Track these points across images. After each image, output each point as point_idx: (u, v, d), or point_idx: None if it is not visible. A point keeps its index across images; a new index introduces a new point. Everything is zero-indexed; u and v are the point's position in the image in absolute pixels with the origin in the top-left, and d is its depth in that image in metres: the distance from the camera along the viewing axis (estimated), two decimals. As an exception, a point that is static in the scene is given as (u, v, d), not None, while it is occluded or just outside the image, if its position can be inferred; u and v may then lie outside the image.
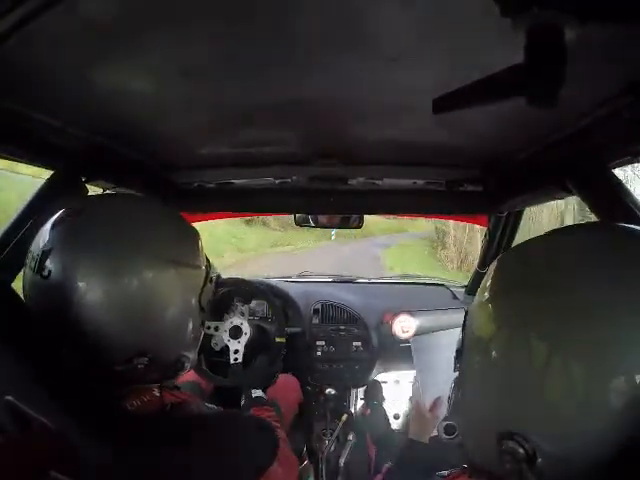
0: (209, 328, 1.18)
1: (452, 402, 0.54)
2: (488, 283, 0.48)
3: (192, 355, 0.63)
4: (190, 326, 0.60)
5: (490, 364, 0.44)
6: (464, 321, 0.52)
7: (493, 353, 0.44)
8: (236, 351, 1.16)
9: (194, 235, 0.62)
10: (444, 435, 0.51)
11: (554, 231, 0.49)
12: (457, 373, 0.53)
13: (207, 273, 0.63)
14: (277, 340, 1.19)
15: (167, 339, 0.57)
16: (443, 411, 0.94)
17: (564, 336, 0.38)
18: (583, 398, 0.37)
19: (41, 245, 0.53)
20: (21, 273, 0.64)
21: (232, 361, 1.15)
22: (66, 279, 0.50)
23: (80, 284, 0.50)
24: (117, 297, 0.51)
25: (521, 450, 0.40)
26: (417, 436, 0.93)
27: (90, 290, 0.50)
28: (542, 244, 0.48)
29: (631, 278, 0.38)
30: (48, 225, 0.55)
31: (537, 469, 0.40)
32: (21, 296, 0.55)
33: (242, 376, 1.15)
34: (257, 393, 1.04)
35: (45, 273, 0.51)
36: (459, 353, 0.52)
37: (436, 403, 0.97)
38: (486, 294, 0.47)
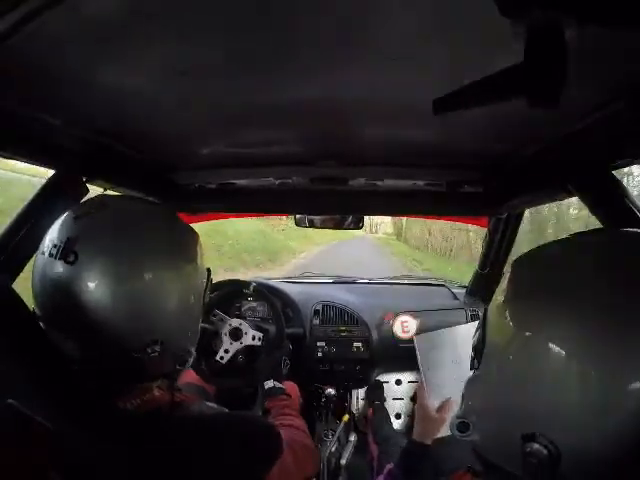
0: (209, 329, 1.18)
1: (467, 401, 0.54)
2: (509, 283, 0.48)
3: (193, 351, 0.66)
4: (194, 320, 0.65)
5: (512, 365, 0.45)
6: (483, 319, 0.52)
7: (515, 355, 0.44)
8: (226, 351, 1.16)
9: (198, 238, 0.67)
10: (457, 432, 0.51)
11: (574, 235, 0.50)
12: (473, 371, 0.53)
13: (209, 274, 0.68)
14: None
15: (176, 330, 0.60)
16: (452, 413, 0.94)
17: (583, 339, 0.39)
18: (604, 400, 0.38)
19: (65, 233, 0.55)
20: (21, 273, 0.65)
21: (217, 358, 1.15)
22: (92, 265, 0.53)
23: (104, 273, 0.53)
24: (136, 289, 0.55)
25: (545, 451, 0.40)
26: (420, 437, 0.92)
27: (111, 281, 0.53)
28: (561, 248, 0.48)
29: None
30: (71, 215, 0.58)
31: (560, 470, 0.40)
32: (21, 296, 0.55)
33: (243, 377, 1.15)
34: (269, 384, 1.04)
35: (71, 259, 0.53)
36: (477, 351, 0.52)
37: (445, 405, 0.96)
38: (507, 295, 0.47)
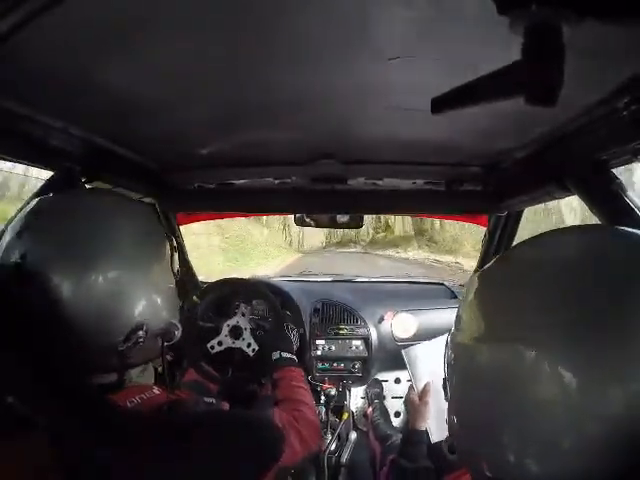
0: (209, 330, 1.18)
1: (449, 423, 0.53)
2: (470, 302, 0.46)
3: (177, 324, 0.64)
4: (169, 292, 0.64)
5: (466, 387, 0.44)
6: (445, 349, 0.51)
7: (470, 380, 0.43)
8: (248, 345, 1.17)
9: (153, 212, 0.67)
10: (448, 453, 0.52)
11: (543, 234, 0.46)
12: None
13: (171, 243, 0.67)
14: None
15: (154, 308, 0.59)
16: (433, 396, 0.98)
17: (551, 354, 0.35)
18: (574, 416, 0.34)
19: (11, 254, 0.53)
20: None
21: (251, 354, 1.16)
22: (51, 278, 0.51)
23: (63, 283, 0.51)
24: (98, 287, 0.53)
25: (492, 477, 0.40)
26: (414, 425, 0.96)
27: (74, 288, 0.51)
28: (531, 248, 0.46)
29: (622, 284, 0.36)
30: (13, 232, 0.55)
31: None
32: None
33: (242, 375, 1.15)
34: (276, 355, 1.01)
35: (25, 281, 0.51)
36: (445, 382, 0.51)
37: (423, 391, 1.00)
38: (469, 316, 0.45)
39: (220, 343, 1.17)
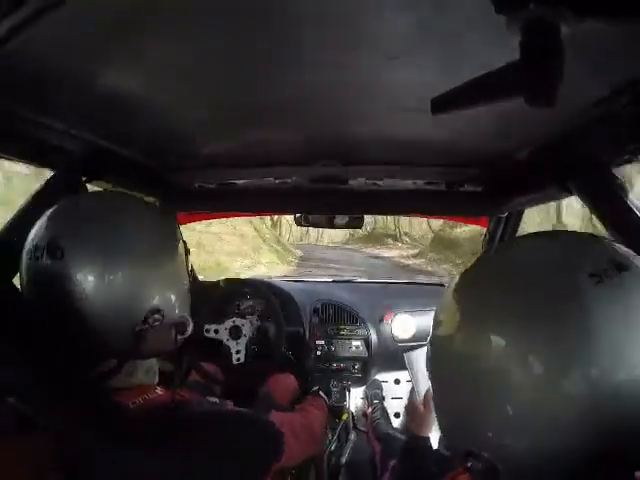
0: (209, 331, 1.19)
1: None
2: (448, 304, 0.48)
3: (189, 319, 0.68)
4: (184, 287, 0.68)
5: (446, 381, 0.46)
6: (428, 346, 0.52)
7: (445, 372, 0.45)
8: (238, 351, 1.17)
9: (173, 217, 0.73)
10: (446, 452, 0.53)
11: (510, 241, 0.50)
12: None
13: (186, 246, 0.72)
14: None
15: (171, 297, 0.64)
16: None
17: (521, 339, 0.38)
18: (539, 405, 0.37)
19: (46, 234, 0.57)
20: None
21: (234, 361, 1.15)
22: (80, 254, 0.55)
23: (92, 259, 0.56)
24: (126, 267, 0.57)
25: (481, 466, 0.41)
26: (416, 431, 0.93)
27: (101, 265, 0.56)
28: (500, 254, 0.49)
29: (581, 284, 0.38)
30: (46, 217, 0.60)
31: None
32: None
33: (243, 375, 1.15)
34: (315, 388, 1.10)
35: (58, 255, 0.55)
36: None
37: (425, 398, 0.98)
38: (444, 315, 0.48)
39: (216, 331, 1.19)
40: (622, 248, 0.43)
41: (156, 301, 0.60)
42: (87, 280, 0.55)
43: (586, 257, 0.41)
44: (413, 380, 1.09)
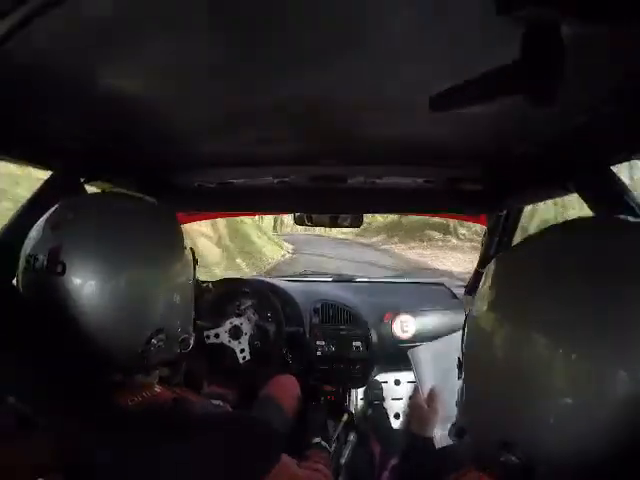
0: (209, 337, 1.18)
1: (459, 408, 0.54)
2: (485, 287, 0.47)
3: (192, 332, 0.67)
4: (190, 301, 0.66)
5: (487, 371, 0.45)
6: (463, 327, 0.52)
7: (490, 358, 0.44)
8: (242, 350, 1.17)
9: (177, 220, 0.69)
10: (453, 437, 0.53)
11: (550, 228, 0.48)
12: (461, 380, 0.53)
13: (193, 253, 0.70)
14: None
15: (176, 315, 0.62)
16: (441, 403, 0.96)
17: (564, 336, 0.38)
18: (586, 399, 0.37)
19: (47, 244, 0.54)
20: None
21: (241, 360, 1.16)
22: (82, 272, 0.52)
23: (96, 277, 0.53)
24: (130, 285, 0.55)
25: (517, 461, 0.40)
26: (420, 431, 0.93)
27: (105, 282, 0.53)
28: (538, 243, 0.47)
29: (626, 276, 0.38)
30: (48, 225, 0.57)
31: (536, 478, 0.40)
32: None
33: (249, 375, 1.15)
34: (317, 440, 1.03)
35: (59, 270, 0.52)
36: (460, 360, 0.52)
37: (431, 396, 0.97)
38: (485, 298, 0.47)
39: (217, 335, 1.18)
40: None
41: (162, 321, 0.58)
42: (89, 297, 0.52)
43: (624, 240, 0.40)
44: (417, 378, 1.08)
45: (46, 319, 0.53)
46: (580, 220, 0.48)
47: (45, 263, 0.52)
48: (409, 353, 1.13)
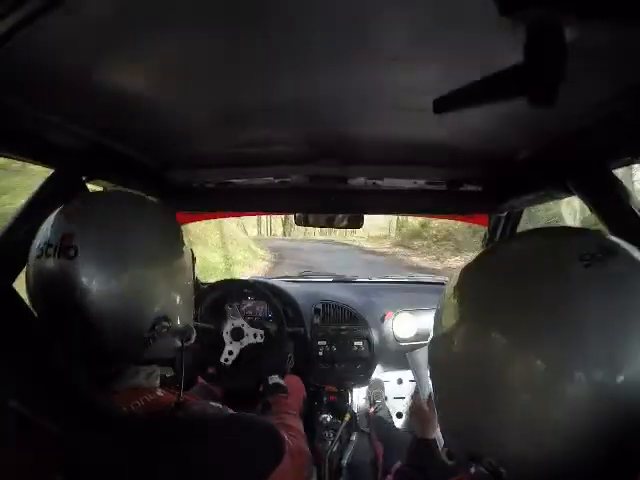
0: (210, 333, 1.18)
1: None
2: (446, 301, 0.48)
3: (193, 327, 0.68)
4: (191, 294, 0.68)
5: (448, 384, 0.46)
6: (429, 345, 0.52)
7: (450, 371, 0.45)
8: (230, 352, 1.16)
9: (178, 223, 0.72)
10: (447, 460, 0.52)
11: (502, 240, 0.50)
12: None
13: (192, 252, 0.72)
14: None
15: (179, 306, 0.64)
16: None
17: (525, 340, 0.38)
18: (535, 408, 0.37)
19: (59, 231, 0.56)
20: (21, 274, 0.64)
21: (222, 360, 1.15)
22: (94, 255, 0.54)
23: (107, 261, 0.55)
24: (139, 271, 0.57)
25: (486, 472, 0.41)
26: (424, 434, 0.93)
27: (115, 267, 0.55)
28: (500, 251, 0.49)
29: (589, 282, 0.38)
30: (60, 214, 0.59)
31: None
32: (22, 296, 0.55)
33: (248, 376, 1.15)
34: (274, 379, 1.04)
35: (71, 253, 0.54)
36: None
37: (431, 398, 0.97)
38: (446, 314, 0.47)
39: (230, 352, 1.18)
40: (611, 236, 0.44)
41: (165, 309, 0.60)
42: (99, 281, 0.54)
43: (575, 243, 0.41)
44: (417, 380, 1.08)
45: (54, 305, 0.55)
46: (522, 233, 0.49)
47: (58, 248, 0.54)
48: (407, 356, 1.13)
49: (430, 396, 0.97)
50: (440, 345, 0.47)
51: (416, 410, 0.97)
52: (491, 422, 0.40)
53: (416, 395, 1.07)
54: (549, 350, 0.37)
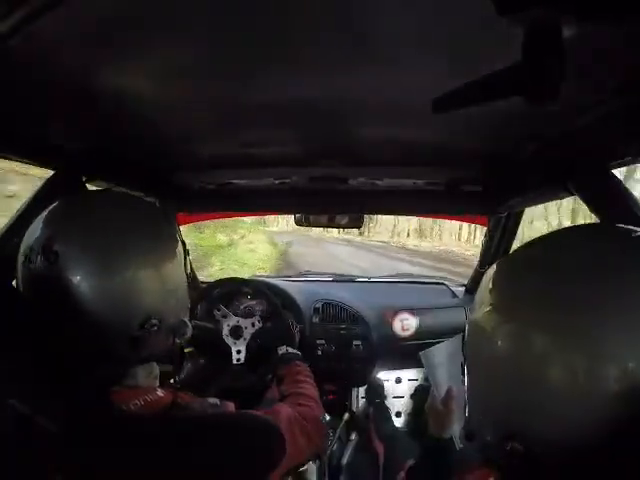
0: (210, 331, 1.18)
1: (468, 410, 0.55)
2: (486, 288, 0.49)
3: (188, 323, 0.68)
4: (182, 290, 0.68)
5: (489, 368, 0.46)
6: (463, 329, 0.53)
7: (491, 356, 0.45)
8: (238, 351, 1.16)
9: (173, 218, 0.73)
10: (465, 441, 0.53)
11: (553, 233, 0.50)
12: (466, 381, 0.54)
13: (184, 247, 0.71)
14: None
15: (169, 302, 0.63)
16: (457, 403, 0.94)
17: (562, 328, 0.40)
18: (578, 393, 0.39)
19: (40, 237, 0.56)
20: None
21: (234, 361, 1.15)
22: (74, 258, 0.54)
23: (87, 263, 0.54)
24: (122, 272, 0.56)
25: (521, 449, 0.42)
26: (437, 432, 0.93)
27: (96, 269, 0.55)
28: (543, 246, 0.49)
29: (624, 277, 0.40)
30: (40, 221, 0.58)
31: (541, 466, 0.42)
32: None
33: (245, 375, 1.15)
34: (282, 350, 1.02)
35: (52, 258, 0.54)
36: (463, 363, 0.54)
37: (447, 397, 0.97)
38: (486, 300, 0.48)
39: (239, 351, 1.17)
40: None
41: (154, 306, 0.59)
42: (81, 285, 0.54)
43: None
44: (431, 379, 1.08)
45: (45, 312, 0.54)
46: (578, 227, 0.50)
47: (40, 253, 0.54)
48: (421, 355, 1.12)
49: (446, 395, 0.97)
50: (481, 330, 0.48)
51: (431, 409, 0.97)
52: (531, 404, 0.42)
53: (431, 394, 1.07)
54: (593, 343, 0.38)
